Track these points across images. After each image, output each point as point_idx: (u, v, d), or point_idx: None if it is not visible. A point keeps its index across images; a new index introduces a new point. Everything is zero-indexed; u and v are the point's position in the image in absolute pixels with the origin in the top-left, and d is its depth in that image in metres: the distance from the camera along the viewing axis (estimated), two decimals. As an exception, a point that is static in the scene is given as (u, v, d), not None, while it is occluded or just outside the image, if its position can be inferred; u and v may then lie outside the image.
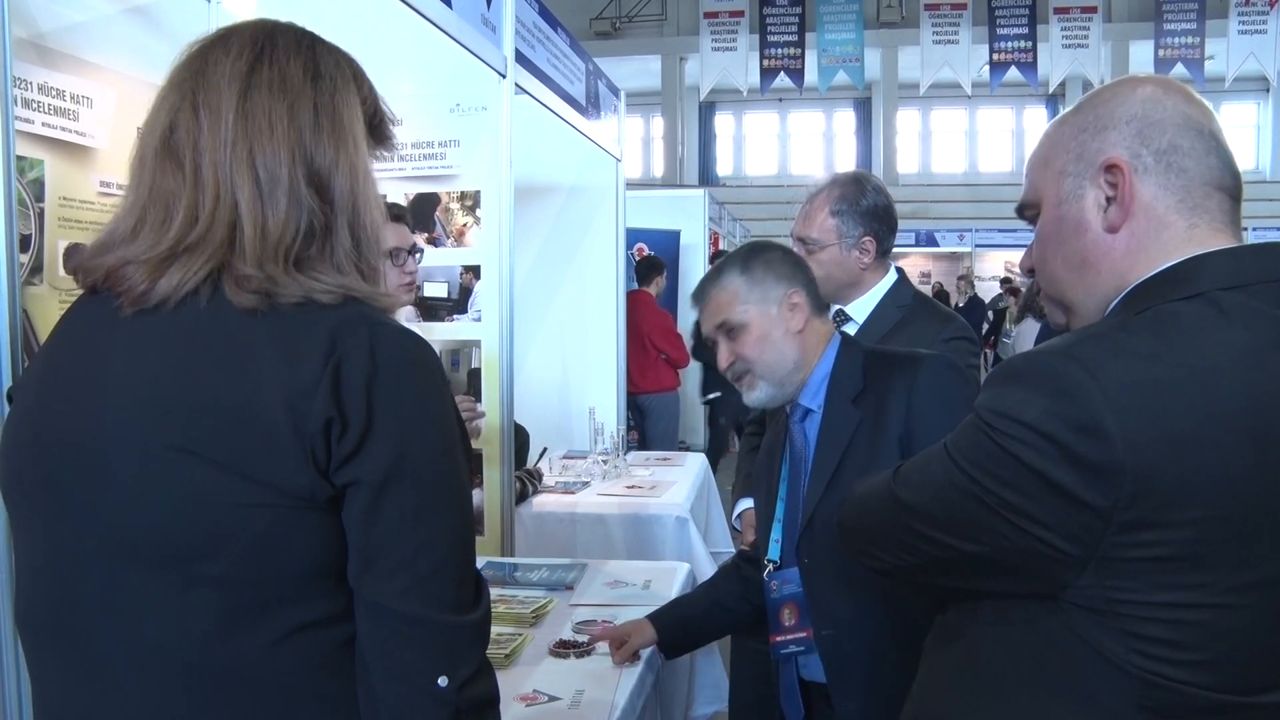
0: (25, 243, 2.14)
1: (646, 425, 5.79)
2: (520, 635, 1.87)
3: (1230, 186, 0.93)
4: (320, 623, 0.85)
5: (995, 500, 0.87)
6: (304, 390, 0.80)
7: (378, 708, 0.85)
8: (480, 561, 1.90)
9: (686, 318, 6.85)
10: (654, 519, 3.12)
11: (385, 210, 0.99)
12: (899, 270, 2.10)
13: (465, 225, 2.77)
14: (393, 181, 2.84)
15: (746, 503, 2.11)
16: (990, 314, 12.03)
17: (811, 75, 14.74)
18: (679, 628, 1.81)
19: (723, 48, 14.93)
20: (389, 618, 0.84)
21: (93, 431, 0.84)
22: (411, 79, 2.84)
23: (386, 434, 0.82)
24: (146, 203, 0.88)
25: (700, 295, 1.65)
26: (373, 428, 0.82)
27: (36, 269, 2.20)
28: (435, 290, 2.79)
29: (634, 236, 5.74)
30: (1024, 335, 8.08)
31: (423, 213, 2.77)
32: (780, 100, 16.83)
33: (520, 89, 2.79)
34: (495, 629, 1.60)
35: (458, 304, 2.78)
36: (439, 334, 2.77)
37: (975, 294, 12.39)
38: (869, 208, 2.01)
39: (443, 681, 0.84)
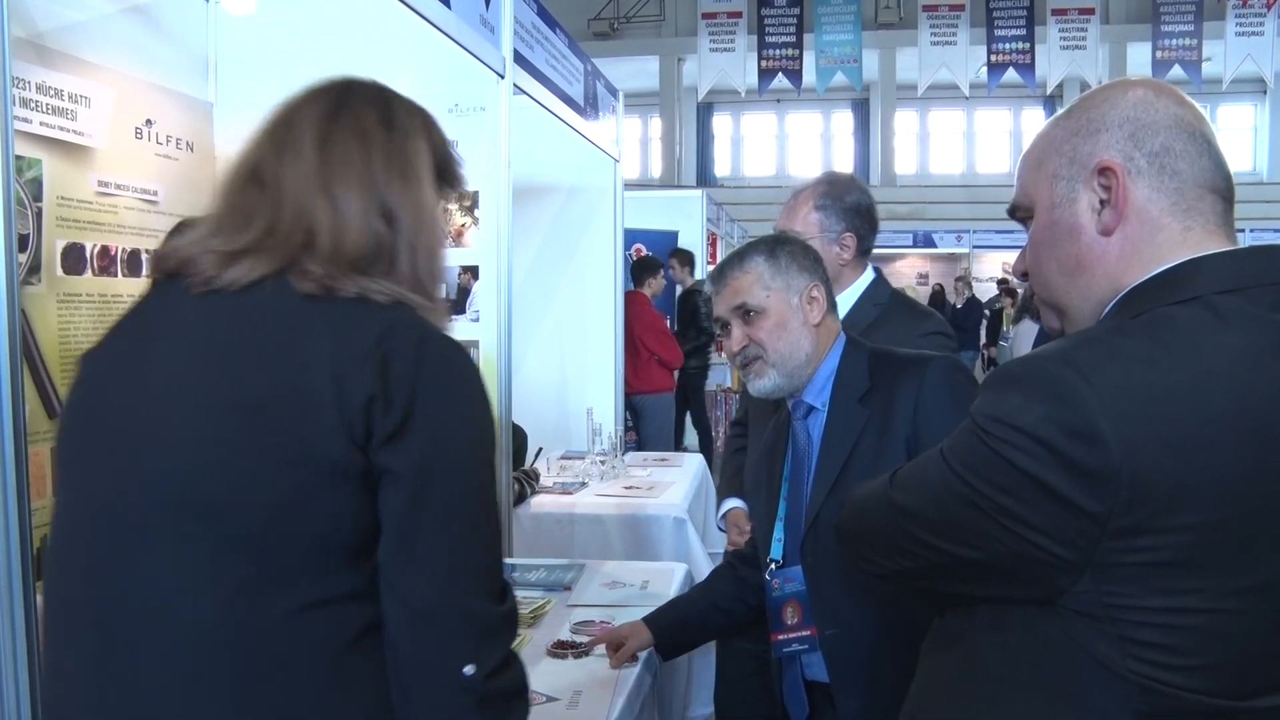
0: (23, 242, 2.13)
1: (641, 426, 5.80)
2: (518, 636, 1.87)
3: (1223, 188, 0.93)
4: (341, 599, 0.88)
5: (991, 505, 0.87)
6: (351, 367, 0.86)
7: (406, 695, 0.88)
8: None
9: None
10: (652, 520, 3.12)
11: (448, 236, 1.10)
12: (876, 270, 2.13)
13: (463, 226, 2.77)
14: (391, 182, 2.84)
15: (732, 502, 2.11)
16: (987, 314, 12.02)
17: (809, 76, 14.72)
18: (675, 630, 1.81)
19: (721, 48, 14.92)
20: (419, 604, 0.87)
21: (147, 386, 0.91)
22: (410, 79, 2.83)
23: (426, 424, 0.87)
24: (225, 215, 0.97)
25: (720, 276, 1.64)
26: (413, 416, 0.86)
27: (34, 268, 2.19)
28: (433, 290, 2.79)
29: (632, 237, 5.74)
30: (1022, 336, 8.08)
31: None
32: (778, 101, 16.82)
33: (519, 89, 2.79)
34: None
35: (456, 304, 2.78)
36: (437, 334, 2.76)
37: (973, 295, 12.38)
38: (852, 205, 2.04)
39: (469, 670, 0.87)
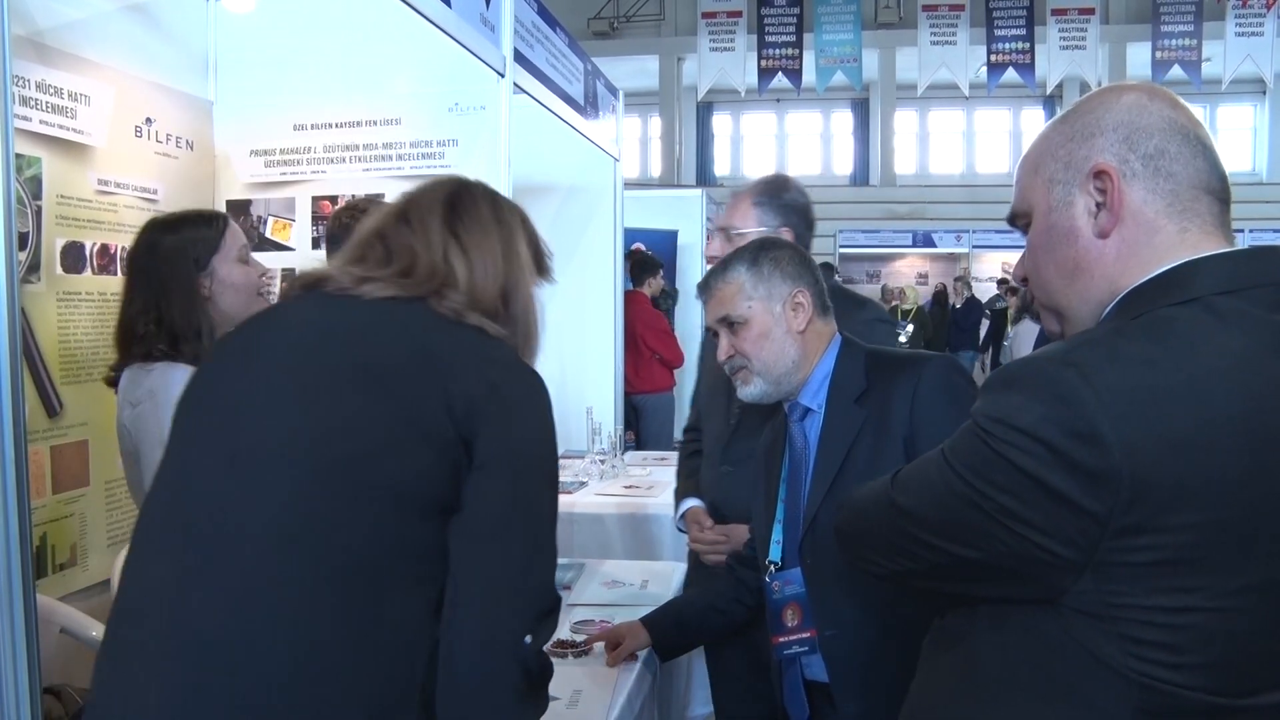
0: (23, 241, 2.13)
1: (642, 425, 5.80)
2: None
3: (1218, 189, 0.93)
4: (424, 554, 0.96)
5: (992, 506, 0.87)
6: (464, 368, 1.00)
7: (456, 663, 0.95)
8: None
9: (686, 317, 6.85)
10: (652, 519, 3.13)
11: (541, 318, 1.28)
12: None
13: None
14: (391, 181, 2.84)
15: (691, 502, 2.15)
16: (988, 313, 12.01)
17: (809, 76, 14.71)
18: (673, 631, 1.81)
19: (720, 48, 14.91)
20: (500, 579, 0.97)
21: (278, 354, 1.04)
22: (410, 78, 2.84)
23: (520, 431, 1.01)
24: (366, 249, 1.12)
25: (705, 287, 1.66)
26: (510, 422, 1.00)
27: (34, 267, 2.19)
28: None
29: (631, 236, 5.73)
30: (1023, 336, 8.07)
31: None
32: (778, 101, 16.80)
33: (519, 88, 2.79)
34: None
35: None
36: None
37: (972, 294, 12.38)
38: (789, 201, 2.09)
39: (529, 639, 0.97)
